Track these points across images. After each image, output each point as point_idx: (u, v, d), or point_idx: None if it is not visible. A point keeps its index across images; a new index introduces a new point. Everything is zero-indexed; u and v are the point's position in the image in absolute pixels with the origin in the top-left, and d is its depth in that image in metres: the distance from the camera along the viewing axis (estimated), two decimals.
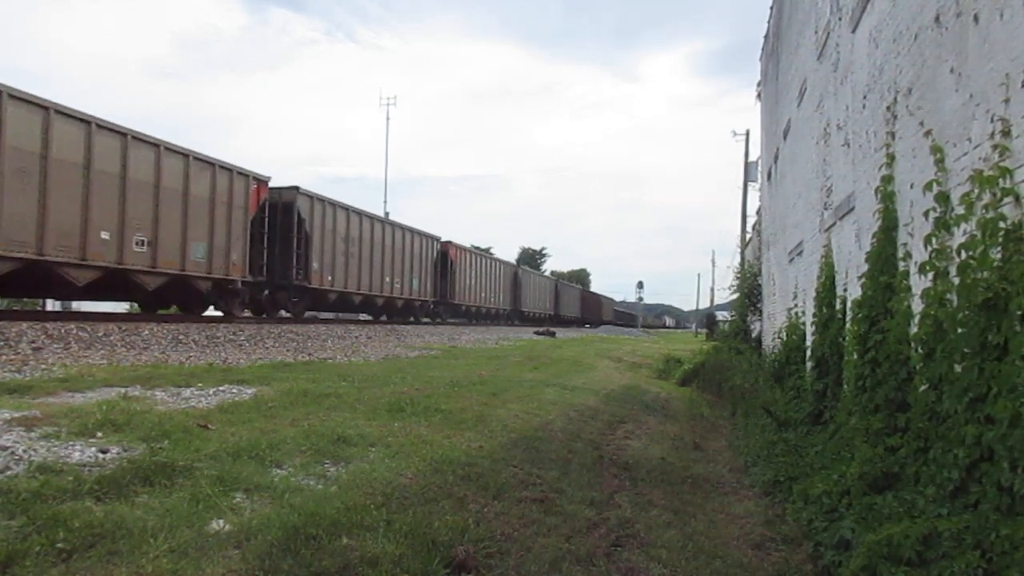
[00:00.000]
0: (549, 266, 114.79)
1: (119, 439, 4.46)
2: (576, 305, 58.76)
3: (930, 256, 4.14)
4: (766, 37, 18.77)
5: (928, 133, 4.57)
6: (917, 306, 4.43)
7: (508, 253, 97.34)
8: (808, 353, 8.88)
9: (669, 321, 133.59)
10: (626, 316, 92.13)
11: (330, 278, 20.99)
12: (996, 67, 3.57)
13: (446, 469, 4.67)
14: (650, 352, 24.23)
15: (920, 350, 4.28)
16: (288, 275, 19.27)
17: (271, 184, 18.46)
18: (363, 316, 27.47)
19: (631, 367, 18.07)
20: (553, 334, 32.20)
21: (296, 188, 19.52)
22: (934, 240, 4.15)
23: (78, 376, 7.13)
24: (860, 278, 5.88)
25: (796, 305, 10.95)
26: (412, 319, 28.06)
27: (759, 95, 21.92)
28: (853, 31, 7.17)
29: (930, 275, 4.15)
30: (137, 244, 14.02)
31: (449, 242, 31.26)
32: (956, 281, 3.69)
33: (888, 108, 5.72)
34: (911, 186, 4.98)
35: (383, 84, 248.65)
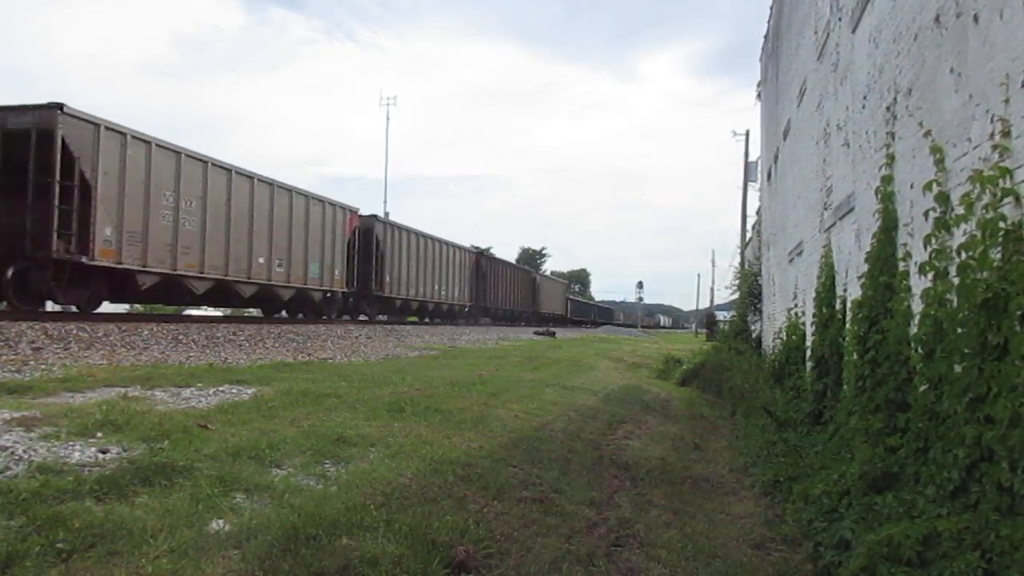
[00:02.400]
0: (549, 266, 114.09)
1: (119, 439, 4.46)
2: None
3: (930, 256, 4.14)
4: (766, 38, 18.77)
5: (928, 133, 4.57)
6: (917, 306, 4.42)
7: (508, 253, 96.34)
8: (808, 353, 8.88)
9: (664, 320, 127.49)
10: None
11: (397, 288, 26.06)
12: (996, 67, 3.57)
13: (446, 469, 4.67)
14: (649, 352, 24.24)
15: (920, 350, 4.28)
16: (368, 286, 24.27)
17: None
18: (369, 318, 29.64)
19: (631, 367, 18.07)
20: (553, 334, 32.25)
21: (375, 216, 24.98)
22: (934, 240, 4.14)
23: (78, 376, 7.12)
24: (860, 278, 5.88)
25: (796, 305, 10.95)
26: (451, 320, 32.79)
27: (759, 95, 21.92)
28: (853, 31, 7.17)
29: (930, 275, 4.14)
30: (278, 265, 18.70)
31: (481, 253, 37.09)
32: (956, 281, 3.69)
33: (888, 108, 5.72)
34: (911, 186, 4.98)
35: (383, 84, 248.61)
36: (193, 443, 4.48)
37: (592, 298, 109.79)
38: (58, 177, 12.23)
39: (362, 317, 24.77)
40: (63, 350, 9.63)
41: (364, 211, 24.60)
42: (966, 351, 3.55)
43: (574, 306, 64.16)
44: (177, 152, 14.97)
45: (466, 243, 37.10)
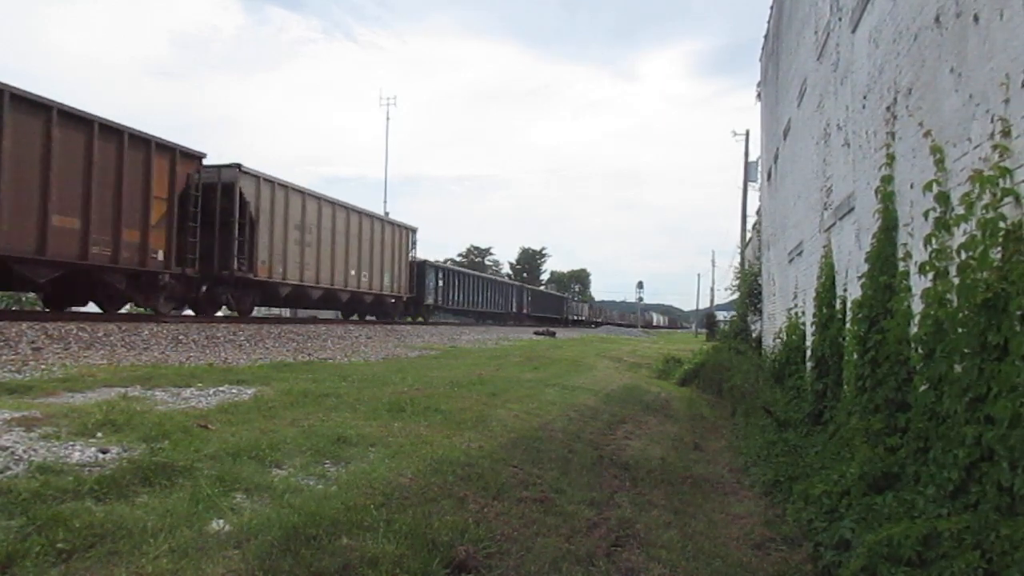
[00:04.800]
0: (549, 266, 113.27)
1: (119, 439, 4.46)
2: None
3: (930, 256, 4.14)
4: (766, 37, 18.77)
5: (928, 133, 4.57)
6: (917, 306, 4.43)
7: (508, 253, 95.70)
8: (808, 353, 8.88)
9: (659, 319, 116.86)
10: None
11: (449, 301, 33.44)
12: (996, 67, 3.57)
13: (446, 469, 4.67)
14: (649, 352, 24.24)
15: (920, 350, 4.28)
16: (423, 294, 30.37)
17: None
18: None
19: (631, 367, 18.07)
20: (553, 334, 32.26)
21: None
22: (934, 240, 4.15)
23: (78, 376, 7.12)
24: (860, 278, 5.88)
25: (796, 305, 10.95)
26: (501, 323, 39.82)
27: (759, 95, 21.92)
28: (853, 31, 7.17)
29: (930, 275, 4.15)
30: (364, 276, 23.75)
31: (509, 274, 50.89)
32: (956, 281, 3.69)
33: (888, 108, 5.72)
34: (911, 186, 4.98)
35: (383, 84, 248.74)
36: (193, 443, 4.48)
37: (592, 298, 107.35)
38: (236, 217, 16.91)
39: (420, 319, 30.57)
40: (63, 350, 9.63)
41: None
42: (966, 351, 3.55)
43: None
44: (302, 192, 20.10)
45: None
